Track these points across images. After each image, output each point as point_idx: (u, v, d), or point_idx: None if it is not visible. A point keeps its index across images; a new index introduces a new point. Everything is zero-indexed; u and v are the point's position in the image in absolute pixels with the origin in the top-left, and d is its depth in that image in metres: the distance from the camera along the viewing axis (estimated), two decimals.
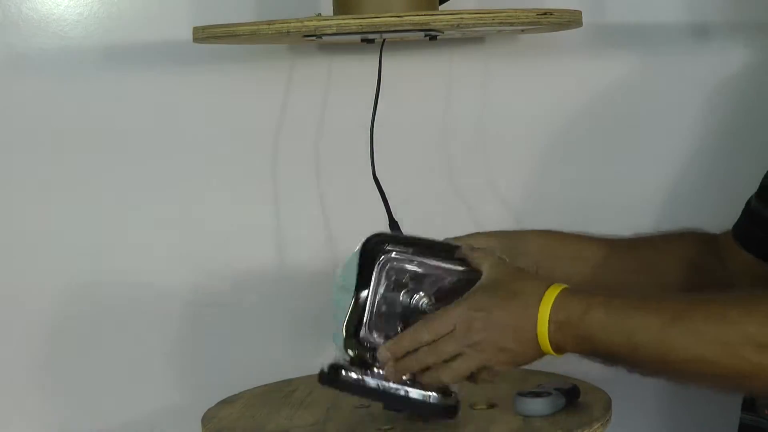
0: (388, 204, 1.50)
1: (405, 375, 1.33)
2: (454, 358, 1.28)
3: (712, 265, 1.49)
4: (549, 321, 1.24)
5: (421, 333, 1.30)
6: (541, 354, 1.27)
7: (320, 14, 1.52)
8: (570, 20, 1.46)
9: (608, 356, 1.25)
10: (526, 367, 1.65)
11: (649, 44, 1.71)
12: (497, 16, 1.38)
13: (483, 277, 1.30)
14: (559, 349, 1.26)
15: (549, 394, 1.43)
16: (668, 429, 1.75)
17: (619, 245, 1.51)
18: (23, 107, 1.72)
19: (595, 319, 1.23)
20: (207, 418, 1.50)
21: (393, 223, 1.48)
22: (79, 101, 1.73)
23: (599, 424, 1.41)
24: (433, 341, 1.29)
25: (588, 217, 1.75)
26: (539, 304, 1.24)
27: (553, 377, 1.57)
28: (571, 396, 1.46)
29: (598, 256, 1.48)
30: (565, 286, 1.26)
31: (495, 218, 1.76)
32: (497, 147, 1.75)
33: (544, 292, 1.25)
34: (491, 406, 1.48)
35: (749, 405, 1.41)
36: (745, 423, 1.42)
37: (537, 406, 1.42)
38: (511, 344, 1.27)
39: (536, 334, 1.25)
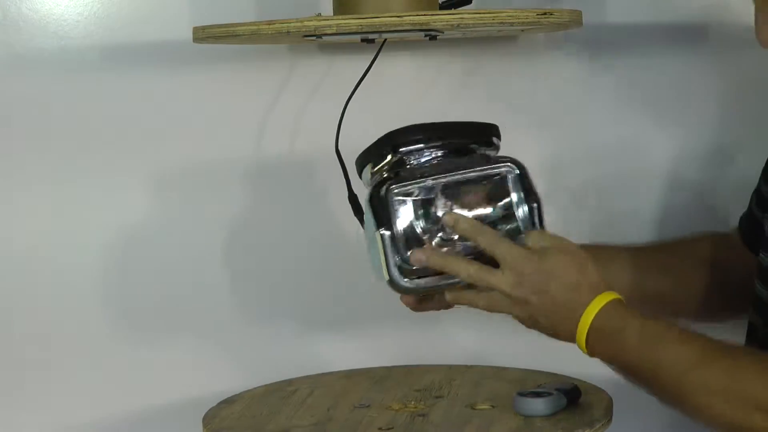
0: (348, 177, 1.47)
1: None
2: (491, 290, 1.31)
3: (732, 263, 1.51)
4: (590, 327, 1.29)
5: (484, 236, 1.32)
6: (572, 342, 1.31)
7: (320, 14, 1.52)
8: (570, 20, 1.46)
9: (631, 377, 1.31)
10: (526, 366, 1.67)
11: (649, 44, 1.71)
12: (497, 16, 1.38)
13: (558, 241, 1.33)
14: (592, 353, 1.31)
15: (550, 394, 1.43)
16: (668, 429, 1.75)
17: (643, 252, 1.54)
18: (23, 107, 1.72)
19: (628, 341, 1.28)
20: (207, 418, 1.50)
21: (352, 197, 1.46)
22: (79, 101, 1.72)
23: (600, 424, 1.41)
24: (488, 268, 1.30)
25: (587, 215, 1.75)
26: (587, 306, 1.29)
27: (553, 377, 1.57)
28: (572, 396, 1.46)
29: (628, 263, 1.51)
30: (615, 296, 1.30)
31: None
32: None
33: (596, 296, 1.29)
34: (491, 406, 1.49)
35: None
36: None
37: (538, 406, 1.42)
38: (547, 325, 1.32)
39: (575, 333, 1.30)
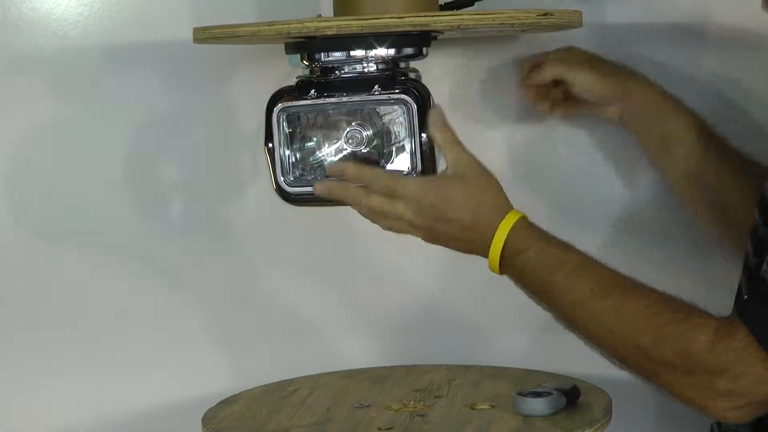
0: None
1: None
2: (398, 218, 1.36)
3: None
4: (503, 248, 1.33)
5: (376, 180, 1.37)
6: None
7: (320, 15, 1.52)
8: (570, 21, 1.46)
9: (533, 298, 1.35)
10: (526, 366, 1.67)
11: (649, 44, 1.71)
12: (498, 17, 1.38)
13: (460, 165, 1.37)
14: (503, 271, 1.35)
15: (549, 394, 1.43)
16: (668, 429, 1.75)
17: (718, 138, 1.54)
18: (23, 107, 1.72)
19: (529, 263, 1.32)
20: (207, 418, 1.50)
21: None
22: (79, 101, 1.73)
23: (599, 424, 1.41)
24: (388, 196, 1.35)
25: (585, 213, 1.75)
26: (497, 228, 1.34)
27: (553, 377, 1.57)
28: (572, 396, 1.46)
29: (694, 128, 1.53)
30: (521, 215, 1.35)
31: None
32: (497, 147, 1.75)
33: (502, 218, 1.34)
34: (491, 406, 1.49)
35: None
36: None
37: (537, 406, 1.42)
38: (460, 247, 1.37)
39: (488, 253, 1.34)
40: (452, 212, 1.35)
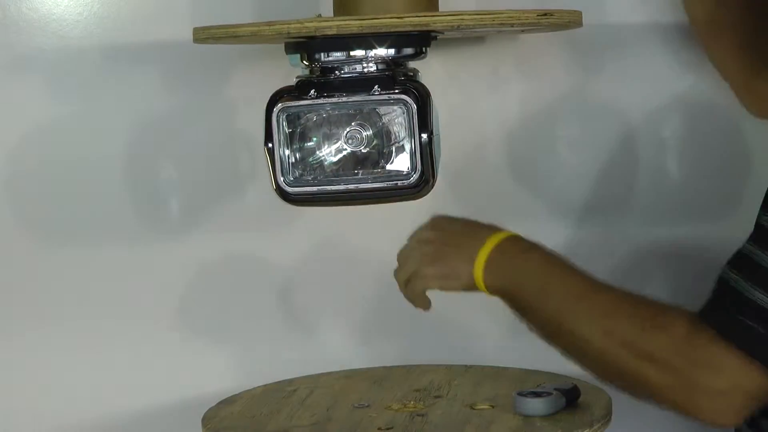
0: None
1: None
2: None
3: None
4: (488, 256, 1.34)
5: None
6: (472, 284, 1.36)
7: (320, 15, 1.52)
8: (570, 21, 1.46)
9: (519, 306, 1.34)
10: (526, 366, 1.67)
11: (649, 44, 1.71)
12: (498, 17, 1.38)
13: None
14: (487, 282, 1.35)
15: (549, 394, 1.43)
16: (668, 429, 1.75)
17: None
18: (23, 107, 1.72)
19: (521, 268, 1.33)
20: (207, 418, 1.50)
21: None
22: (79, 101, 1.73)
23: (599, 424, 1.41)
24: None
25: (585, 213, 1.75)
26: (486, 238, 1.35)
27: (553, 377, 1.57)
28: (572, 396, 1.46)
29: None
30: (513, 234, 1.35)
31: (493, 217, 1.76)
32: (497, 147, 1.75)
33: (494, 232, 1.35)
34: (491, 406, 1.49)
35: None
36: None
37: (537, 405, 1.42)
38: (451, 254, 1.38)
39: (474, 262, 1.35)
40: (449, 225, 1.40)
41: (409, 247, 1.42)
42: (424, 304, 1.42)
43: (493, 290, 1.35)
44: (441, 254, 1.38)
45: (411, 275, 1.40)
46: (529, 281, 1.33)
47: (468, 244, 1.36)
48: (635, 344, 1.24)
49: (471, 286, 1.36)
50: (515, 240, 1.36)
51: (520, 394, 1.45)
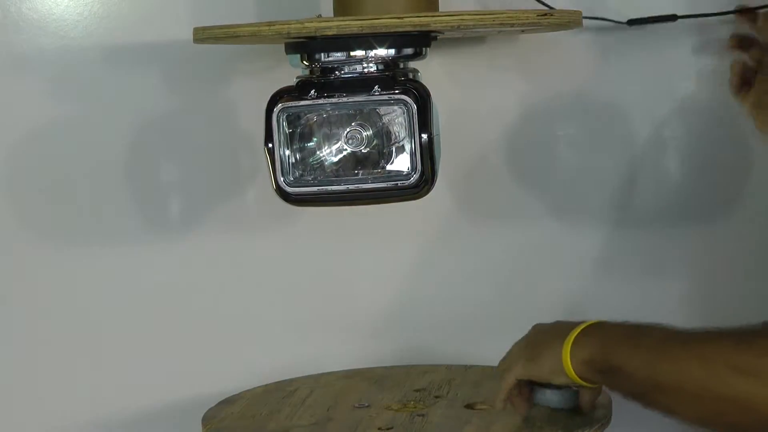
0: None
1: None
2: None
3: None
4: (578, 333, 1.33)
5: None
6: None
7: (320, 15, 1.52)
8: (570, 20, 1.46)
9: (619, 376, 1.31)
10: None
11: (649, 44, 1.71)
12: (498, 17, 1.38)
13: None
14: (577, 358, 1.33)
15: (570, 388, 1.42)
16: (668, 429, 1.75)
17: None
18: (23, 107, 1.72)
19: (617, 334, 1.32)
20: (207, 418, 1.50)
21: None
22: (79, 101, 1.73)
23: (599, 424, 1.41)
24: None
25: (585, 213, 1.75)
26: (564, 342, 1.34)
27: None
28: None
29: None
30: (585, 325, 1.34)
31: (493, 217, 1.76)
32: (497, 147, 1.75)
33: (571, 330, 1.34)
34: (491, 406, 1.49)
35: None
36: None
37: (555, 397, 1.42)
38: (539, 350, 1.38)
39: (563, 344, 1.34)
40: (540, 326, 1.42)
41: (508, 352, 1.43)
42: (519, 406, 1.42)
43: (580, 365, 1.34)
44: (533, 345, 1.40)
45: (504, 370, 1.41)
46: (617, 340, 1.32)
47: (560, 330, 1.36)
48: (733, 360, 1.21)
49: (557, 369, 1.35)
50: (602, 322, 1.35)
51: (541, 385, 1.43)
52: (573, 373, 1.34)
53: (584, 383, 1.35)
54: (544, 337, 1.39)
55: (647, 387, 1.28)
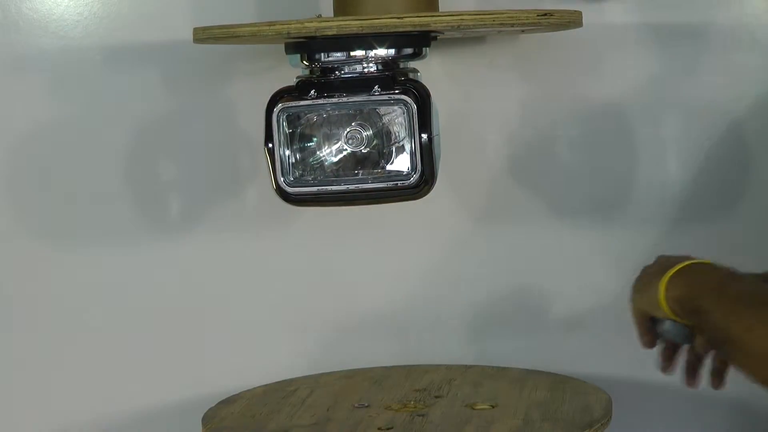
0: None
1: None
2: None
3: None
4: (666, 292, 1.32)
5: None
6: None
7: (320, 15, 1.52)
8: (570, 21, 1.46)
9: (704, 308, 1.31)
10: (526, 366, 1.67)
11: (649, 44, 1.71)
12: (498, 18, 1.38)
13: None
14: (675, 314, 1.33)
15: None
16: (668, 429, 1.75)
17: None
18: (24, 107, 1.72)
19: (714, 273, 1.31)
20: (207, 418, 1.50)
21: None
22: (79, 101, 1.73)
23: (599, 424, 1.41)
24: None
25: (585, 213, 1.75)
26: (662, 277, 1.33)
27: (554, 377, 1.57)
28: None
29: None
30: (684, 264, 1.33)
31: (493, 217, 1.76)
32: (497, 147, 1.75)
33: (671, 267, 1.33)
34: (491, 406, 1.49)
35: None
36: None
37: (672, 329, 1.38)
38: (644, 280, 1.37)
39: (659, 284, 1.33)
40: (658, 258, 1.39)
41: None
42: (643, 338, 1.40)
43: (672, 302, 1.33)
44: (643, 277, 1.39)
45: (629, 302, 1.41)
46: (706, 286, 1.31)
47: (663, 265, 1.36)
48: None
49: (654, 303, 1.35)
50: (701, 264, 1.35)
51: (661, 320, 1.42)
52: (667, 308, 1.34)
53: (679, 320, 1.35)
54: (653, 269, 1.38)
55: (723, 339, 1.28)
